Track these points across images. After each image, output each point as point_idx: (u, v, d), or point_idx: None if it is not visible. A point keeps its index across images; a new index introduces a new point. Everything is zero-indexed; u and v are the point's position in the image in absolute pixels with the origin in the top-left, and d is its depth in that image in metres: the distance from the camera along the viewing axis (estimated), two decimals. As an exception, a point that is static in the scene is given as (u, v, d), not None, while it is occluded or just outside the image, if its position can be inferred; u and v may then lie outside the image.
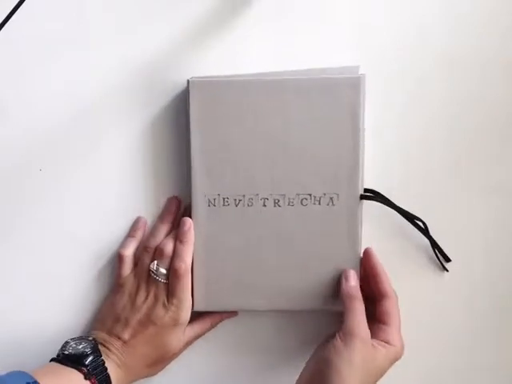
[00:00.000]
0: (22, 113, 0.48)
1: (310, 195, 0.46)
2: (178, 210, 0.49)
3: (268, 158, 0.45)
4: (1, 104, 0.48)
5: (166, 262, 0.46)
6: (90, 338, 0.46)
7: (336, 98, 0.44)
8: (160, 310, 0.45)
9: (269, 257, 0.46)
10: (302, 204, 0.46)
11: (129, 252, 0.48)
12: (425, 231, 0.48)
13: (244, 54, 0.48)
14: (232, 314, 0.50)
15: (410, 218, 0.47)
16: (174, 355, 0.48)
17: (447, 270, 0.49)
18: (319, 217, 0.46)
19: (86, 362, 0.43)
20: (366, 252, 0.47)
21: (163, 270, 0.46)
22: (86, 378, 0.42)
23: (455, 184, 0.49)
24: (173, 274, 0.46)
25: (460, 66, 0.48)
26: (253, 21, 0.47)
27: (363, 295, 0.45)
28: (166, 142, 0.49)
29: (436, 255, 0.49)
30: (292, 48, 0.48)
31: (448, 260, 0.49)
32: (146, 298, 0.46)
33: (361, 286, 0.46)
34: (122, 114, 0.48)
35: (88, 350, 0.44)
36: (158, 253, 0.47)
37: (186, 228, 0.46)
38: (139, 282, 0.47)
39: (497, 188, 0.49)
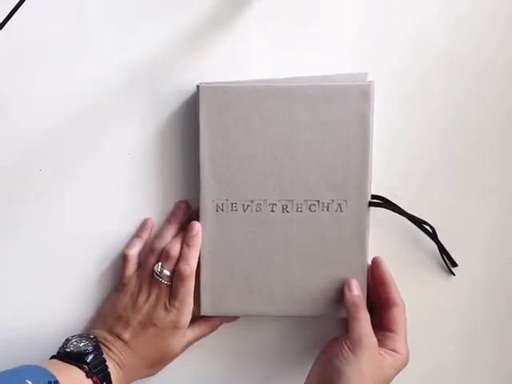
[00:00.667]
0: (25, 113, 0.48)
1: (318, 201, 0.46)
2: (185, 214, 0.49)
3: (276, 164, 0.45)
4: (1, 104, 0.48)
5: (171, 264, 0.46)
6: (92, 336, 0.46)
7: (345, 105, 0.44)
8: (161, 312, 0.46)
9: (277, 262, 0.47)
10: (310, 210, 0.46)
11: (134, 252, 0.48)
12: (433, 236, 0.48)
13: (244, 54, 0.48)
14: (233, 318, 0.50)
15: (419, 222, 0.47)
16: (174, 356, 0.48)
17: (454, 274, 0.50)
18: (327, 223, 0.46)
19: (88, 360, 0.43)
20: (375, 260, 0.47)
21: (167, 272, 0.46)
22: (87, 377, 0.42)
23: (455, 184, 0.49)
24: (177, 276, 0.46)
25: (460, 65, 0.48)
26: (253, 21, 0.47)
27: (370, 302, 0.46)
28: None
29: (443, 260, 0.49)
30: (292, 48, 0.48)
31: (455, 265, 0.49)
32: (148, 298, 0.46)
33: (368, 294, 0.46)
34: (130, 117, 0.48)
35: (89, 348, 0.44)
36: (163, 254, 0.47)
37: (194, 232, 0.46)
38: (141, 283, 0.47)
39: (497, 188, 0.49)
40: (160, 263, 0.46)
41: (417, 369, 0.46)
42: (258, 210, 0.46)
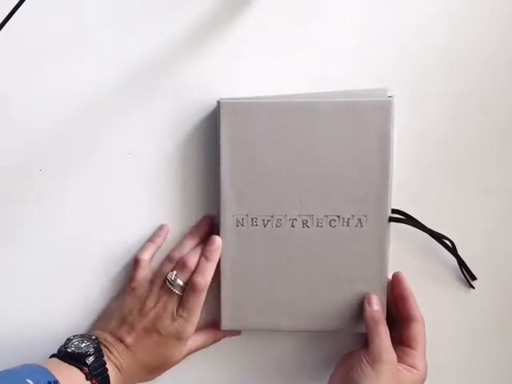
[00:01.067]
0: (25, 113, 0.48)
1: (339, 216, 0.46)
2: (208, 229, 0.49)
3: (297, 179, 0.46)
4: (1, 104, 0.48)
5: (186, 274, 0.46)
6: (93, 337, 0.45)
7: (366, 121, 0.44)
8: (167, 320, 0.45)
9: (297, 277, 0.47)
10: (330, 225, 0.46)
11: (146, 256, 0.48)
12: (453, 250, 0.48)
13: (243, 53, 0.48)
14: (236, 332, 0.50)
15: (438, 237, 0.47)
16: (174, 364, 0.48)
17: (473, 288, 0.49)
18: (347, 238, 0.46)
19: (88, 362, 0.43)
20: (396, 276, 0.47)
21: (180, 282, 0.46)
22: (87, 379, 0.42)
23: (455, 186, 0.49)
24: (190, 287, 0.45)
25: (460, 65, 0.48)
26: (253, 21, 0.47)
27: (389, 318, 0.46)
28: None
29: (463, 273, 0.49)
30: (292, 47, 0.48)
31: (474, 278, 0.49)
32: (156, 304, 0.46)
33: (387, 309, 0.46)
34: (129, 117, 0.48)
35: (91, 350, 0.44)
36: (179, 264, 0.46)
37: (214, 246, 0.46)
38: (152, 288, 0.47)
39: (496, 188, 0.49)
40: (175, 272, 0.46)
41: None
42: (279, 225, 0.46)
